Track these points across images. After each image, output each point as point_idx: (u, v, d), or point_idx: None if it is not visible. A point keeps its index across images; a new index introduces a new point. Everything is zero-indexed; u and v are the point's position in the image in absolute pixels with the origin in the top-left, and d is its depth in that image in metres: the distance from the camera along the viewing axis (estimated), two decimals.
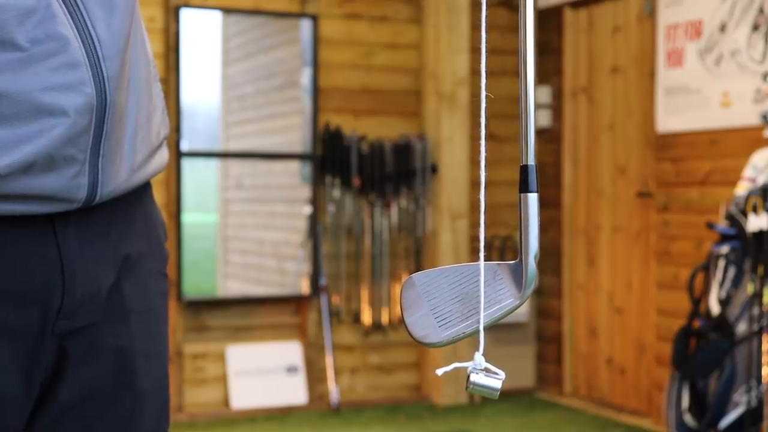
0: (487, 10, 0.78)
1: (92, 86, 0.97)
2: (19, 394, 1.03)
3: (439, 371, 0.81)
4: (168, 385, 1.18)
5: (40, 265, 1.02)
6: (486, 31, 0.78)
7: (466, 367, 0.79)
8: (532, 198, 0.78)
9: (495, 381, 0.80)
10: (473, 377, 0.80)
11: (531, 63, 0.79)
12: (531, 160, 0.78)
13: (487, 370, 0.80)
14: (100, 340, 1.09)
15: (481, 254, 0.80)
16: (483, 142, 0.79)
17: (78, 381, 1.07)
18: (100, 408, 1.10)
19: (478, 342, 0.80)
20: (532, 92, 0.78)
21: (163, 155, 1.19)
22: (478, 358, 0.80)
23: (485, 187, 0.77)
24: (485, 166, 0.79)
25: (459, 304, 0.80)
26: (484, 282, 0.80)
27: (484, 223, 0.78)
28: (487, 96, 0.79)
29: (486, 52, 0.78)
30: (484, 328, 0.80)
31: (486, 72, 0.79)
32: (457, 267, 0.81)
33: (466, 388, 0.81)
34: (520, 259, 0.79)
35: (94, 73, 0.98)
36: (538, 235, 0.79)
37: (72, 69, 0.96)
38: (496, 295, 0.79)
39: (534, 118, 0.79)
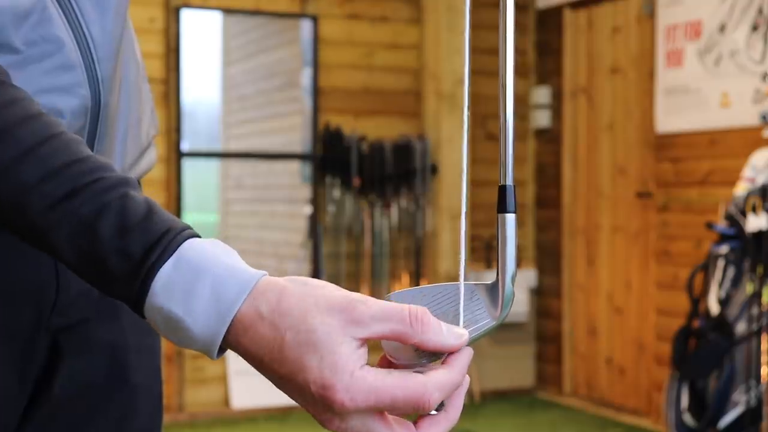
0: (470, 11, 0.78)
1: (87, 88, 0.98)
2: (15, 392, 1.03)
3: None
4: (161, 380, 1.19)
5: (34, 262, 1.02)
6: (469, 32, 0.77)
7: None
8: (510, 218, 0.78)
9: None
10: None
11: (510, 85, 0.78)
12: (509, 181, 0.78)
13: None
14: (93, 335, 1.10)
15: (461, 273, 0.79)
16: (465, 170, 0.78)
17: (72, 376, 1.08)
18: (95, 403, 1.10)
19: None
20: (512, 114, 0.78)
21: (152, 155, 1.19)
22: None
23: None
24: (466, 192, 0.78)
25: None
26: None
27: (465, 249, 0.77)
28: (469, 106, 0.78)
29: (469, 54, 0.77)
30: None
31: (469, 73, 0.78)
32: (435, 286, 0.80)
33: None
34: (497, 279, 0.79)
35: (89, 75, 0.98)
36: (515, 255, 0.78)
37: (67, 71, 0.96)
38: (472, 315, 0.79)
39: (513, 140, 0.78)
